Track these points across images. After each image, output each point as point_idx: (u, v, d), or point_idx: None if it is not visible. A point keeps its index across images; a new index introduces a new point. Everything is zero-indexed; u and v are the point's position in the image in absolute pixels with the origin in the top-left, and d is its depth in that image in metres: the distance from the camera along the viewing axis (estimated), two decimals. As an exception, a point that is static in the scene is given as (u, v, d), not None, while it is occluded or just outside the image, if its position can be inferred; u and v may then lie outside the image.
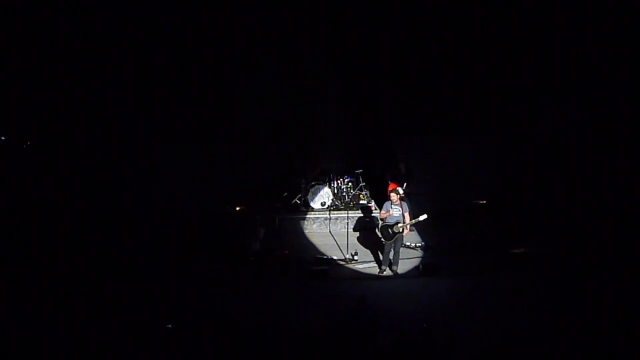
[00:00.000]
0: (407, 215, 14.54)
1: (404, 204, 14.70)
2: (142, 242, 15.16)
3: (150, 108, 17.07)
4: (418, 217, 14.46)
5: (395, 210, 14.56)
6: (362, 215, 17.12)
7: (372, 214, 17.03)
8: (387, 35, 17.50)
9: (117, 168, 16.65)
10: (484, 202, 16.18)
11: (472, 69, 17.54)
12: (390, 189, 15.99)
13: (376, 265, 15.05)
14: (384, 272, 14.61)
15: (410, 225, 14.60)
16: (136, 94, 16.89)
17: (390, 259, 14.64)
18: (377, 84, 18.09)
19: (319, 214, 17.25)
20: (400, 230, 14.44)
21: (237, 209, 15.15)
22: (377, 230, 15.45)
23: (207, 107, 17.48)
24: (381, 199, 16.63)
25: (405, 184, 16.53)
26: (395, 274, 14.54)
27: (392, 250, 14.58)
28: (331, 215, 17.09)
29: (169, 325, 10.58)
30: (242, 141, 17.88)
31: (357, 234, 16.67)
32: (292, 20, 17.47)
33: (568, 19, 15.90)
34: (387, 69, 17.86)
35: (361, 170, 17.80)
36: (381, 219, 14.96)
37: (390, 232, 14.48)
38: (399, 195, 14.82)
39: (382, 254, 14.89)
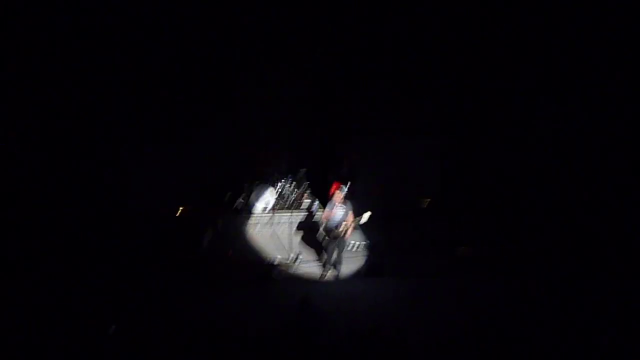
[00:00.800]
0: (350, 215, 14.51)
1: (348, 204, 14.67)
2: (82, 244, 14.85)
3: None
4: (361, 216, 14.44)
5: (339, 211, 14.52)
6: (305, 215, 17.04)
7: (316, 215, 16.96)
8: (340, 35, 17.46)
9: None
10: (429, 201, 16.26)
11: (425, 67, 17.62)
12: (333, 188, 15.95)
13: (321, 265, 14.99)
14: (328, 273, 14.57)
15: (354, 225, 14.57)
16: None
17: (333, 260, 14.60)
18: (325, 83, 18.00)
19: (262, 215, 17.11)
20: (344, 230, 14.40)
21: (180, 210, 14.92)
22: (320, 231, 15.38)
23: (153, 107, 17.22)
24: (324, 199, 16.60)
25: (348, 184, 16.51)
26: (339, 274, 14.51)
27: (336, 250, 14.54)
28: (274, 217, 16.96)
29: (113, 326, 10.41)
30: (184, 141, 17.61)
31: (301, 234, 16.57)
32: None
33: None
34: (338, 70, 17.81)
35: (305, 170, 17.72)
36: (325, 220, 14.91)
37: (334, 232, 14.43)
38: (342, 195, 14.78)
39: (326, 254, 14.83)
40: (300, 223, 16.78)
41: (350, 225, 14.42)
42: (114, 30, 16.21)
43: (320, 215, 16.33)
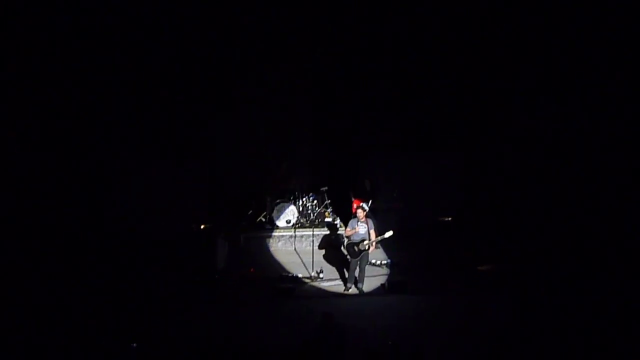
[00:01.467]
0: (372, 232, 14.48)
1: (370, 221, 14.65)
2: (106, 264, 14.93)
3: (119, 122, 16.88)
4: (384, 234, 14.40)
5: (361, 228, 14.51)
6: (327, 232, 17.05)
7: (338, 232, 16.96)
8: (352, 48, 17.49)
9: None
10: (450, 219, 16.20)
11: (441, 84, 17.61)
12: (355, 205, 15.96)
13: (342, 282, 14.96)
14: (350, 290, 14.54)
15: (376, 243, 14.55)
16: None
17: (356, 277, 14.58)
18: (344, 101, 18.03)
19: (284, 232, 17.15)
20: (366, 247, 14.38)
21: (202, 227, 14.98)
22: (342, 247, 15.37)
23: (174, 123, 17.31)
24: (346, 216, 16.61)
25: (370, 201, 16.52)
26: (361, 291, 14.46)
27: (357, 267, 14.51)
28: (296, 233, 17.00)
29: (134, 345, 10.44)
30: (206, 157, 17.70)
31: (323, 251, 16.57)
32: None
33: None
34: (355, 85, 17.84)
35: (327, 188, 17.75)
36: (347, 237, 14.90)
37: (356, 249, 14.42)
38: (364, 212, 14.78)
39: (347, 271, 14.80)
40: (322, 240, 16.81)
41: (373, 242, 14.39)
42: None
43: (342, 232, 16.33)
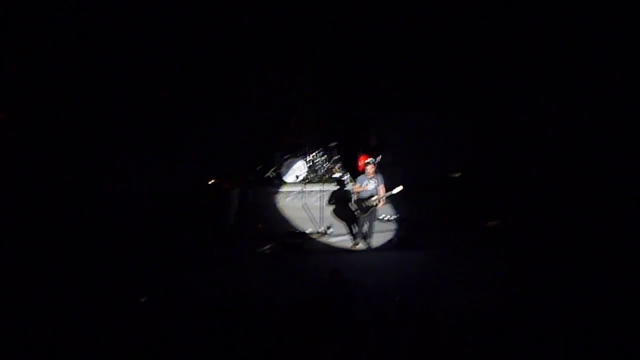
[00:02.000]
0: (381, 188, 14.42)
1: (379, 177, 14.58)
2: (120, 220, 15.01)
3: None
4: (393, 189, 14.34)
5: (370, 184, 14.45)
6: (336, 188, 17.01)
7: (346, 187, 16.91)
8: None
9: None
10: (460, 174, 16.11)
11: (454, 53, 17.44)
12: (363, 162, 15.89)
13: (350, 238, 14.97)
14: (358, 246, 14.56)
15: (385, 198, 14.49)
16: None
17: (364, 232, 14.58)
18: (355, 59, 17.88)
19: (292, 188, 17.11)
20: (375, 203, 14.34)
21: (210, 182, 14.94)
22: (351, 203, 15.32)
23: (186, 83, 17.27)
24: (355, 171, 16.54)
25: (379, 157, 16.43)
26: (370, 247, 14.48)
27: (366, 223, 14.50)
28: (305, 189, 16.96)
29: (143, 299, 10.50)
30: (215, 115, 17.64)
31: (331, 207, 16.55)
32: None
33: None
34: (368, 46, 17.67)
35: (336, 144, 17.66)
36: (356, 192, 14.84)
37: (365, 205, 14.38)
38: (373, 168, 14.68)
39: (356, 227, 14.80)
40: (330, 195, 16.78)
41: (382, 198, 14.33)
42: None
43: (351, 187, 16.28)
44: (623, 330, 9.58)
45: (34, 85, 15.79)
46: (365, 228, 14.57)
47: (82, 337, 9.26)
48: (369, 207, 14.35)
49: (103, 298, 10.94)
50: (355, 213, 14.88)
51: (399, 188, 14.26)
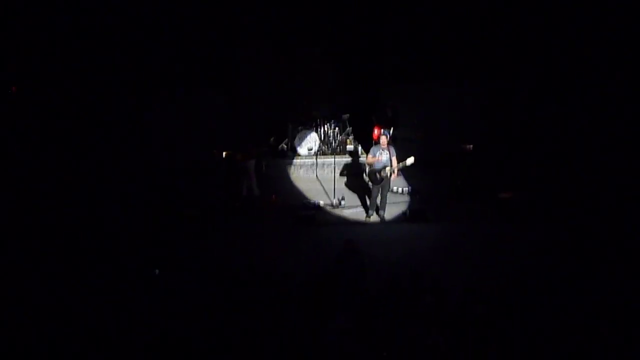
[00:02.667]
0: (394, 159, 14.43)
1: (391, 148, 14.59)
2: (133, 193, 15.24)
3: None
4: (405, 160, 14.36)
5: (383, 155, 14.47)
6: (349, 160, 17.07)
7: (359, 159, 16.97)
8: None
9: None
10: (471, 146, 16.10)
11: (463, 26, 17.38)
12: (376, 132, 15.92)
13: (363, 210, 15.06)
14: (371, 218, 14.64)
15: (398, 170, 14.54)
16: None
17: (377, 204, 14.65)
18: (367, 33, 17.85)
19: (305, 160, 17.20)
20: (388, 174, 14.38)
21: (224, 154, 15.03)
22: (364, 175, 15.37)
23: (196, 55, 17.29)
24: (368, 143, 16.58)
25: (392, 128, 16.45)
26: (382, 219, 14.56)
27: (379, 195, 14.57)
28: (318, 161, 17.03)
29: (156, 271, 10.62)
30: (229, 87, 17.69)
31: (344, 179, 16.64)
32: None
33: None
34: (379, 20, 17.62)
35: (348, 115, 17.68)
36: (368, 164, 14.88)
37: (378, 176, 14.41)
38: (387, 139, 14.70)
39: (369, 199, 14.87)
40: (343, 167, 16.84)
41: (395, 169, 14.37)
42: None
43: (364, 159, 16.33)
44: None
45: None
46: (377, 200, 14.63)
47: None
48: (382, 179, 14.38)
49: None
50: (368, 185, 14.93)
51: (411, 159, 14.25)
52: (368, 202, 14.92)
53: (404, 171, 15.12)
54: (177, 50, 17.01)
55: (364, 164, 15.65)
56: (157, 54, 16.83)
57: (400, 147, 15.40)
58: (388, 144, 14.62)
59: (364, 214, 14.83)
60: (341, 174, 16.67)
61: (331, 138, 17.53)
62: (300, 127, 17.40)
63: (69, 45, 15.99)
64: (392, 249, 12.84)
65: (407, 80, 17.82)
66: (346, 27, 17.83)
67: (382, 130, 15.99)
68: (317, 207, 15.22)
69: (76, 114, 16.23)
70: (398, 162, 14.35)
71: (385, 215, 14.59)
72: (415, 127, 17.21)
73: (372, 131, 16.84)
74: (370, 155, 14.71)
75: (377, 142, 14.72)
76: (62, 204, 14.57)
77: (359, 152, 17.23)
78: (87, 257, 12.16)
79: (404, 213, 14.87)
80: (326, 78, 18.36)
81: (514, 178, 15.75)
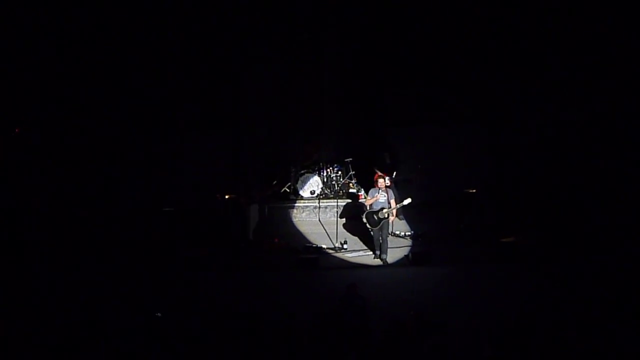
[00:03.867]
0: (392, 201, 14.48)
1: (390, 191, 14.65)
2: (136, 233, 15.26)
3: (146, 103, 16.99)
4: (402, 201, 14.40)
5: (381, 196, 14.50)
6: (350, 202, 17.06)
7: (361, 202, 16.97)
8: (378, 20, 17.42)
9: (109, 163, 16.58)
10: (474, 190, 16.10)
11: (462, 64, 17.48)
12: (376, 176, 15.96)
13: (365, 253, 14.98)
14: (374, 260, 14.55)
15: (396, 211, 14.52)
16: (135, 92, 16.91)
17: (379, 246, 14.58)
18: (370, 77, 17.99)
19: (308, 203, 17.22)
20: (386, 215, 14.35)
21: (227, 197, 15.05)
22: (363, 216, 15.34)
23: (198, 97, 17.39)
24: (371, 187, 16.59)
25: (394, 173, 16.48)
26: (385, 262, 14.48)
27: (380, 236, 14.51)
28: (320, 204, 17.03)
29: (158, 314, 10.52)
30: (232, 130, 17.76)
31: (347, 222, 16.62)
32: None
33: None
34: (380, 62, 17.78)
35: (351, 159, 17.74)
36: (367, 205, 14.88)
37: (376, 218, 14.40)
38: (385, 181, 14.74)
39: (372, 242, 14.82)
40: (343, 209, 16.83)
41: (392, 210, 14.36)
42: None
43: (364, 202, 16.33)
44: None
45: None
46: (379, 242, 14.57)
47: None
48: (379, 220, 14.36)
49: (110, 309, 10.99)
50: (367, 227, 14.89)
51: (408, 200, 14.34)
52: (371, 245, 14.86)
53: (406, 215, 15.15)
54: (182, 93, 17.11)
55: (364, 206, 15.63)
56: (163, 95, 17.01)
57: (401, 188, 15.42)
58: (387, 186, 14.67)
59: (367, 258, 14.75)
60: (341, 216, 16.68)
61: (334, 181, 17.54)
62: (303, 171, 17.44)
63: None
64: (395, 292, 12.79)
65: (409, 123, 17.91)
66: (348, 70, 18.00)
67: (381, 175, 16.00)
68: (319, 250, 15.15)
69: (82, 158, 16.33)
70: (396, 203, 14.37)
71: (387, 259, 14.50)
72: (418, 172, 17.19)
73: (373, 176, 16.84)
74: (368, 197, 14.79)
75: (376, 185, 14.74)
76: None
77: (362, 196, 17.23)
78: (90, 297, 12.13)
79: (407, 256, 14.80)
80: (330, 121, 18.38)
81: (517, 221, 15.70)
